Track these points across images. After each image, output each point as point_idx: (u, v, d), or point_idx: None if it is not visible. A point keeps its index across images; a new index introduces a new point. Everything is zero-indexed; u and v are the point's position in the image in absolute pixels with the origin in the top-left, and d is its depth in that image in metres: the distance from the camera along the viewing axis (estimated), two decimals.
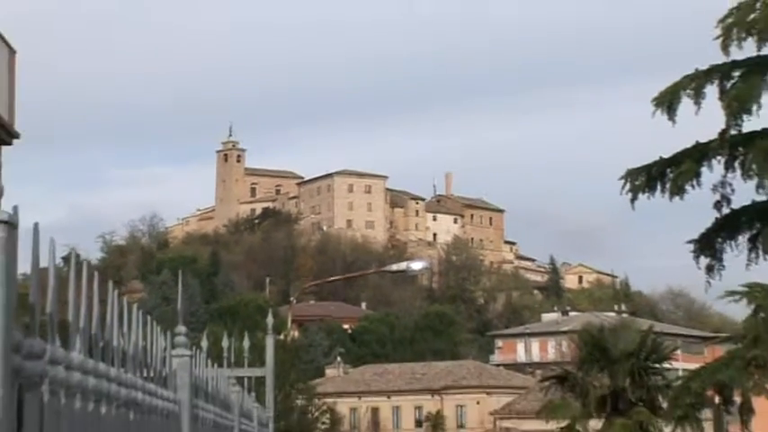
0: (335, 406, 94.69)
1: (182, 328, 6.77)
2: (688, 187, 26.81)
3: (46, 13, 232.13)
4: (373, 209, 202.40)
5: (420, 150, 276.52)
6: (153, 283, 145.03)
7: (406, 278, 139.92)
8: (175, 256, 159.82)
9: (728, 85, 25.86)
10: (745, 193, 26.78)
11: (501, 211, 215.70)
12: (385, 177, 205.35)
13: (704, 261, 27.67)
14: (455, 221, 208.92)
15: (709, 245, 27.61)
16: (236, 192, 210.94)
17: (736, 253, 27.39)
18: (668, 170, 27.10)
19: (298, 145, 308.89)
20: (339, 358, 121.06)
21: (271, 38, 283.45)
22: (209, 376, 8.17)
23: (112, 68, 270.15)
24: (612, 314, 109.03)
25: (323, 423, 79.79)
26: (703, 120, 26.57)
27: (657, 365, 41.69)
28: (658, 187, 27.22)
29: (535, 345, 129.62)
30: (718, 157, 26.47)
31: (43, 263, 3.28)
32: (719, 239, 27.57)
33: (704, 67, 26.33)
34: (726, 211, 27.05)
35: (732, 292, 27.64)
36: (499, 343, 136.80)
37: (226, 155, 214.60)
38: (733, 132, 25.90)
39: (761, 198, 26.50)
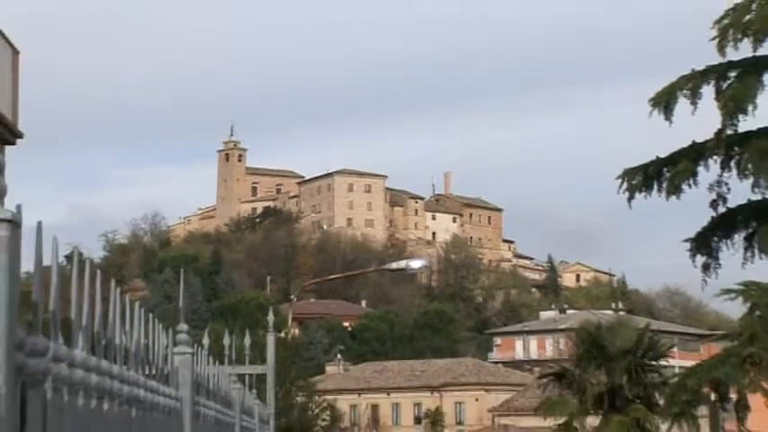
0: (336, 403, 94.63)
1: (183, 326, 6.77)
2: (684, 186, 26.82)
3: (48, 14, 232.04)
4: (373, 208, 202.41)
5: (419, 150, 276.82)
6: (155, 281, 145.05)
7: (405, 276, 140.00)
8: (177, 254, 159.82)
9: (724, 85, 25.86)
10: (740, 192, 26.82)
11: (499, 210, 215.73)
12: (385, 177, 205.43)
13: (700, 259, 27.70)
14: (454, 220, 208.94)
15: (705, 243, 27.61)
16: (238, 191, 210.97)
17: (732, 251, 27.43)
18: (665, 169, 27.10)
19: (298, 144, 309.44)
20: (339, 356, 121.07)
21: (271, 38, 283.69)
22: (210, 373, 8.17)
23: (115, 69, 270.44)
24: (610, 312, 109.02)
25: (323, 420, 79.76)
26: (700, 120, 26.60)
27: (654, 363, 41.68)
28: (655, 186, 27.22)
29: (533, 342, 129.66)
30: (715, 157, 26.47)
31: (46, 261, 3.28)
32: (716, 238, 27.57)
33: (700, 67, 26.34)
34: (722, 210, 27.06)
35: (728, 291, 27.64)
36: (497, 340, 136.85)
37: (227, 154, 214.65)
38: (729, 132, 25.90)
39: (756, 197, 26.52)
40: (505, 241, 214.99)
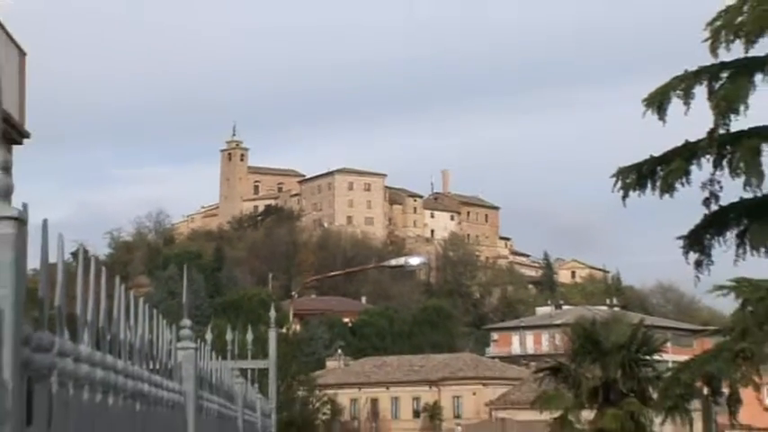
0: (336, 397, 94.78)
1: (187, 322, 6.77)
2: (678, 185, 26.83)
3: (49, 14, 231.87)
4: (373, 206, 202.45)
5: (418, 149, 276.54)
6: (159, 277, 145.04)
7: (404, 273, 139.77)
8: (181, 251, 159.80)
9: (717, 85, 25.87)
10: (732, 190, 26.82)
11: (496, 208, 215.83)
12: (384, 175, 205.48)
13: (693, 256, 27.70)
14: (452, 218, 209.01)
15: (698, 241, 27.62)
16: (240, 189, 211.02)
17: (724, 249, 27.42)
18: (658, 168, 27.11)
19: (299, 144, 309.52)
20: (339, 351, 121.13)
21: (273, 39, 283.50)
22: (213, 368, 8.17)
23: (119, 70, 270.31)
24: (604, 308, 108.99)
25: (324, 413, 79.89)
26: (692, 119, 26.61)
27: (648, 357, 41.69)
28: (649, 185, 27.23)
29: (529, 337, 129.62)
30: (707, 156, 26.48)
31: (52, 258, 3.27)
32: (708, 236, 27.58)
33: (693, 68, 26.35)
34: (714, 208, 27.07)
35: (720, 287, 27.62)
36: (495, 336, 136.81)
37: (230, 154, 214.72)
38: (721, 132, 25.91)
39: (748, 195, 26.51)
40: (502, 239, 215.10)
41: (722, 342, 27.69)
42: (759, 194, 26.24)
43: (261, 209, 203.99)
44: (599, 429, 40.33)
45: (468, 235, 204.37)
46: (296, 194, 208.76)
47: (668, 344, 59.63)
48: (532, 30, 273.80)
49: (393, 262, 44.97)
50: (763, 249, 26.70)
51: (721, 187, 26.66)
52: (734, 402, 27.55)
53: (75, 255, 4.07)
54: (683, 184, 26.83)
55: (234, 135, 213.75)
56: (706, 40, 25.57)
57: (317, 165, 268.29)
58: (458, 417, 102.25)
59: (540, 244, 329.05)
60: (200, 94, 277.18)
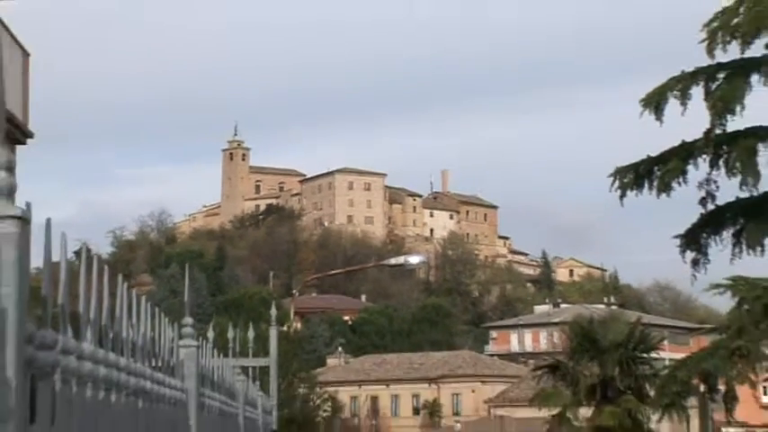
0: (336, 394, 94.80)
1: (189, 320, 6.77)
2: (675, 184, 26.83)
3: (52, 14, 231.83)
4: (372, 205, 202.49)
5: (418, 149, 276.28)
6: (161, 276, 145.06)
7: (404, 272, 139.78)
8: (183, 250, 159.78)
9: (713, 86, 25.87)
10: (729, 190, 26.83)
11: (495, 207, 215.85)
12: (384, 175, 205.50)
13: (690, 255, 27.70)
14: (451, 217, 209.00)
15: (694, 240, 27.62)
16: (241, 189, 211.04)
17: (720, 247, 27.43)
18: (656, 168, 27.11)
19: (300, 144, 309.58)
20: (340, 348, 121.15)
21: (274, 40, 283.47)
22: (215, 366, 8.17)
23: (122, 70, 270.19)
24: (602, 306, 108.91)
25: (324, 411, 79.88)
26: (689, 120, 26.60)
27: (645, 355, 41.71)
28: (646, 185, 27.23)
29: (528, 335, 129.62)
30: (704, 156, 26.49)
31: (55, 257, 3.27)
32: (705, 235, 27.58)
33: (690, 69, 26.36)
34: (711, 207, 27.07)
35: (717, 285, 27.62)
36: (493, 334, 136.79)
37: (231, 153, 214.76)
38: (718, 132, 25.92)
39: (744, 195, 26.53)
40: (501, 237, 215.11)
41: (719, 340, 27.70)
42: (755, 194, 26.26)
43: (262, 208, 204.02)
44: (597, 426, 40.35)
45: (468, 234, 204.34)
46: (297, 194, 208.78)
47: (665, 342, 59.60)
48: (532, 30, 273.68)
49: (393, 261, 44.96)
50: (759, 248, 26.71)
51: (718, 187, 26.69)
52: (730, 400, 27.56)
53: (78, 253, 4.07)
54: (679, 184, 26.85)
55: (235, 135, 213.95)
56: (703, 41, 25.58)
57: (318, 164, 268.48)
58: (457, 414, 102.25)
59: (538, 243, 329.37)
60: (201, 93, 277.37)
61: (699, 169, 26.65)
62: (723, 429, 54.83)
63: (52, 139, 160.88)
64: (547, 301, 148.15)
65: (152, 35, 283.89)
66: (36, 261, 3.16)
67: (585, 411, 41.65)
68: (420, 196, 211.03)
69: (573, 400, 41.18)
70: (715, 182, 26.54)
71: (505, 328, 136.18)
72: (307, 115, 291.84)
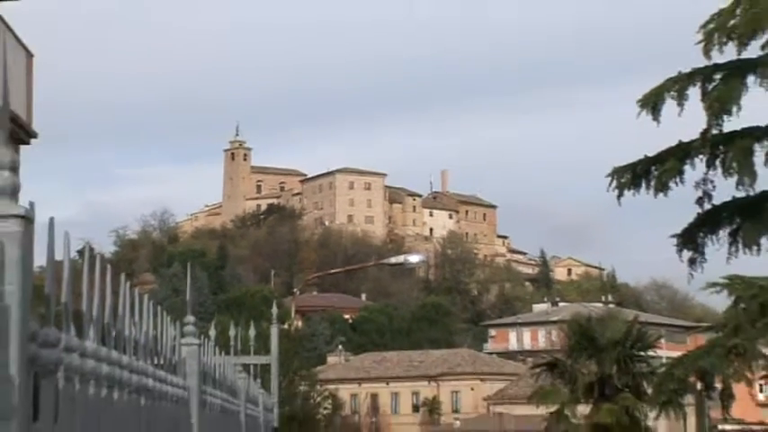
0: (337, 392, 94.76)
1: (191, 318, 6.77)
2: (672, 184, 26.82)
3: (55, 14, 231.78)
4: (373, 205, 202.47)
5: (418, 149, 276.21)
6: (163, 275, 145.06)
7: (403, 271, 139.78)
8: (185, 249, 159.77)
9: (710, 87, 25.86)
10: (725, 189, 26.81)
11: (494, 207, 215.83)
12: (384, 175, 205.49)
13: (687, 254, 27.68)
14: (450, 217, 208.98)
15: (691, 239, 27.60)
16: (243, 189, 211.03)
17: (717, 247, 27.40)
18: (653, 168, 27.10)
19: (301, 144, 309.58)
20: (340, 347, 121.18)
21: (275, 40, 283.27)
22: (216, 364, 8.17)
23: (124, 71, 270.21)
24: (600, 305, 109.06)
25: (325, 408, 79.88)
26: (686, 120, 26.60)
27: (642, 353, 41.75)
28: (643, 184, 27.21)
29: (526, 334, 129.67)
30: (700, 156, 26.48)
31: (58, 256, 3.27)
32: (701, 234, 27.57)
33: (687, 69, 26.37)
34: (707, 206, 27.05)
35: (713, 284, 27.62)
36: (492, 332, 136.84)
37: (233, 154, 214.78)
38: (714, 132, 25.91)
39: (740, 194, 26.51)
40: (500, 237, 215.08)
41: (715, 338, 27.69)
42: (751, 194, 26.26)
43: (263, 208, 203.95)
44: (594, 424, 40.38)
45: (467, 233, 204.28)
46: (298, 193, 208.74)
47: (662, 340, 59.58)
48: (532, 30, 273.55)
49: (393, 260, 44.99)
50: (755, 247, 26.69)
51: (714, 187, 26.67)
52: (726, 397, 27.55)
53: (81, 252, 4.07)
54: (676, 184, 26.84)
55: (237, 135, 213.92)
56: (699, 42, 25.58)
57: (319, 164, 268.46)
58: (456, 411, 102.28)
59: (536, 242, 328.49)
60: (203, 94, 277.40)
61: (696, 169, 26.65)
62: (719, 427, 54.86)
63: (56, 139, 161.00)
64: (545, 299, 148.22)
65: (154, 36, 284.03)
66: (39, 260, 3.16)
67: (583, 409, 41.68)
68: (420, 196, 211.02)
69: (571, 397, 41.21)
70: (712, 182, 26.55)
71: (504, 326, 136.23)
72: (307, 115, 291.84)
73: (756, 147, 25.99)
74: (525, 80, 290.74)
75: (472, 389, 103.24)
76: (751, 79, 25.73)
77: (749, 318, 26.25)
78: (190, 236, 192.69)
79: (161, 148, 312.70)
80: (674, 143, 26.99)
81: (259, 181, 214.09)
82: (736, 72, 25.74)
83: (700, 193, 26.72)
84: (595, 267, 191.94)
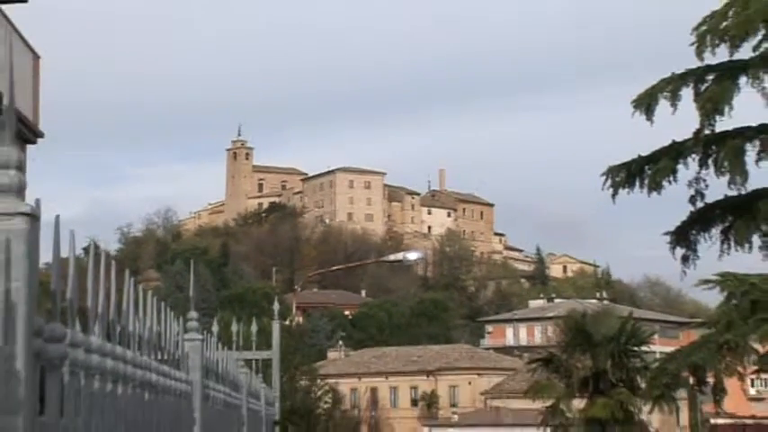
0: (337, 386, 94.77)
1: (194, 314, 6.77)
2: (665, 183, 26.81)
3: (61, 14, 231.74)
4: (372, 203, 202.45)
5: (416, 148, 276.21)
6: (167, 272, 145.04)
7: (402, 268, 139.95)
8: (188, 247, 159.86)
9: (703, 88, 25.85)
10: (717, 188, 26.81)
11: (491, 205, 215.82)
12: (383, 174, 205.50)
13: (680, 252, 27.68)
14: (448, 215, 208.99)
15: (684, 237, 27.60)
16: (245, 187, 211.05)
17: (709, 244, 27.40)
18: (647, 167, 27.10)
19: (302, 144, 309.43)
20: (340, 342, 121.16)
21: (276, 43, 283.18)
22: (219, 358, 8.16)
23: (133, 73, 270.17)
24: (594, 301, 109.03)
25: (325, 402, 79.86)
26: (679, 120, 26.61)
27: (636, 349, 41.75)
28: (637, 183, 27.21)
29: (523, 329, 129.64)
30: (693, 155, 26.47)
31: (64, 253, 3.27)
32: (694, 232, 27.57)
33: (680, 71, 26.37)
34: (700, 205, 27.05)
35: (706, 281, 27.62)
36: (489, 328, 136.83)
37: (235, 153, 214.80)
38: (707, 132, 25.90)
39: (732, 193, 26.51)
40: (497, 234, 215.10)
41: (708, 334, 27.68)
42: (743, 192, 26.25)
43: (265, 206, 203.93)
44: (589, 417, 40.39)
45: (464, 231, 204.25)
46: (299, 192, 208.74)
47: (656, 336, 59.63)
48: (531, 30, 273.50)
49: (392, 257, 45.06)
50: (746, 245, 26.69)
51: (707, 185, 26.66)
52: (719, 392, 27.54)
53: (86, 250, 4.07)
54: (670, 183, 26.83)
55: (239, 135, 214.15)
56: (692, 44, 25.59)
57: (319, 163, 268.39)
58: (454, 405, 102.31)
59: (532, 239, 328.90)
60: (207, 95, 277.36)
61: (689, 168, 26.65)
62: (712, 420, 54.90)
63: (62, 138, 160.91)
64: (541, 296, 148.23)
65: (159, 38, 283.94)
66: (45, 257, 3.16)
67: (578, 403, 41.70)
68: (418, 194, 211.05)
69: (566, 392, 41.21)
70: (704, 180, 26.54)
71: (501, 322, 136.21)
72: (308, 116, 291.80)
73: (748, 146, 25.98)
74: (523, 80, 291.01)
75: (470, 383, 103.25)
76: (743, 80, 25.72)
77: (741, 314, 26.25)
78: (193, 233, 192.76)
79: (165, 148, 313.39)
80: (667, 143, 27.01)
81: (261, 180, 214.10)
82: (728, 73, 25.73)
83: (692, 192, 26.72)
84: (590, 264, 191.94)
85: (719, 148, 26.00)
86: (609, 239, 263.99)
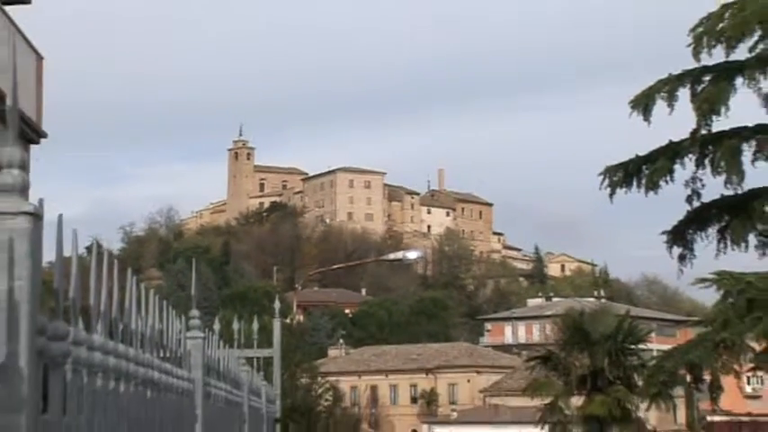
0: (337, 384, 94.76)
1: (195, 312, 6.76)
2: (662, 183, 26.83)
3: (64, 15, 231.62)
4: (372, 203, 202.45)
5: (416, 148, 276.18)
6: (169, 270, 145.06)
7: (402, 266, 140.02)
8: (190, 246, 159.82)
9: (699, 88, 25.87)
10: (714, 188, 26.83)
11: (490, 204, 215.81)
12: (383, 173, 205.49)
13: (677, 251, 27.69)
14: (447, 214, 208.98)
15: (681, 236, 27.61)
16: (246, 187, 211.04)
17: (706, 243, 27.42)
18: (644, 167, 27.11)
19: (302, 144, 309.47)
20: (341, 340, 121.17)
21: (277, 44, 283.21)
22: (220, 356, 8.16)
23: (135, 74, 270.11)
24: (592, 300, 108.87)
25: (326, 400, 79.82)
26: (676, 120, 26.62)
27: (633, 347, 41.74)
28: (635, 183, 27.22)
29: (521, 328, 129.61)
30: (690, 155, 26.49)
31: (67, 252, 3.27)
32: (691, 231, 27.57)
33: (677, 71, 26.39)
34: (697, 204, 27.07)
35: (702, 280, 27.62)
36: (488, 326, 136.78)
37: (236, 153, 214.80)
38: (703, 132, 25.92)
39: (729, 193, 26.52)
40: (495, 234, 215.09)
41: (704, 332, 27.68)
42: (739, 192, 26.27)
43: (266, 205, 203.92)
44: (587, 415, 40.39)
45: (463, 230, 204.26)
46: (299, 192, 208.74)
47: (653, 334, 59.57)
48: (530, 30, 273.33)
49: (392, 256, 45.05)
50: (742, 244, 26.70)
51: (703, 185, 26.68)
52: (715, 390, 27.54)
53: (89, 249, 4.06)
54: (667, 182, 26.85)
55: (240, 135, 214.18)
56: (689, 45, 25.60)
57: (320, 163, 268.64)
58: (453, 403, 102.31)
59: (531, 238, 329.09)
60: (208, 95, 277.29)
61: (685, 168, 26.67)
62: (708, 418, 54.90)
63: (63, 138, 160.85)
64: (539, 294, 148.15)
65: (161, 39, 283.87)
66: (48, 256, 3.16)
67: (576, 400, 41.70)
68: (418, 194, 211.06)
69: (564, 389, 41.22)
70: (701, 180, 26.56)
71: (500, 320, 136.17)
72: (309, 116, 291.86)
73: (744, 146, 26.01)
74: (523, 80, 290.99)
75: (469, 381, 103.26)
76: (739, 81, 25.74)
77: (737, 312, 26.24)
78: (195, 233, 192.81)
79: (167, 148, 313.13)
80: (664, 143, 27.02)
81: (262, 179, 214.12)
82: (725, 74, 25.75)
83: (689, 192, 26.76)
84: (588, 263, 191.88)
85: (716, 148, 26.01)
86: (607, 239, 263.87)
